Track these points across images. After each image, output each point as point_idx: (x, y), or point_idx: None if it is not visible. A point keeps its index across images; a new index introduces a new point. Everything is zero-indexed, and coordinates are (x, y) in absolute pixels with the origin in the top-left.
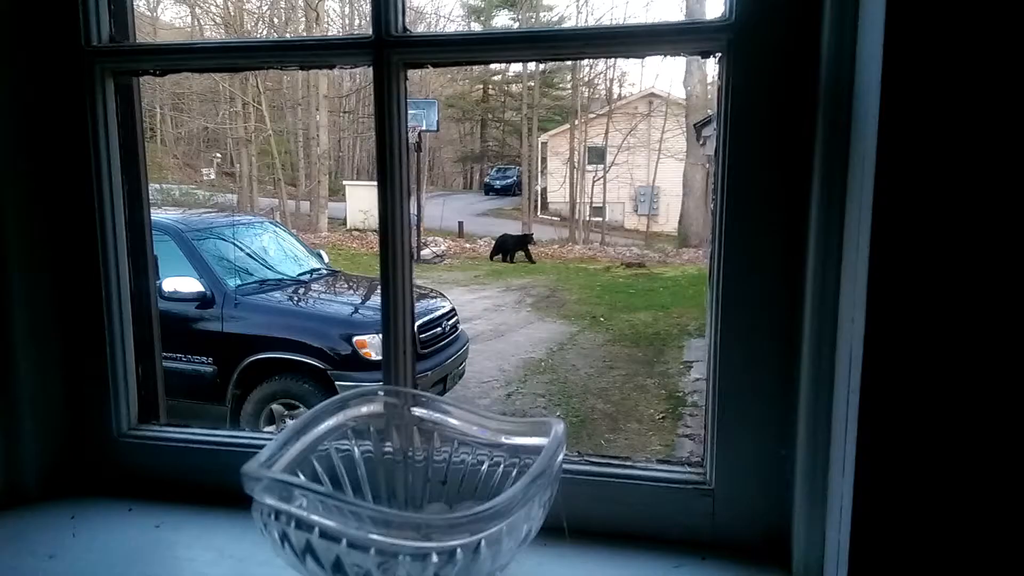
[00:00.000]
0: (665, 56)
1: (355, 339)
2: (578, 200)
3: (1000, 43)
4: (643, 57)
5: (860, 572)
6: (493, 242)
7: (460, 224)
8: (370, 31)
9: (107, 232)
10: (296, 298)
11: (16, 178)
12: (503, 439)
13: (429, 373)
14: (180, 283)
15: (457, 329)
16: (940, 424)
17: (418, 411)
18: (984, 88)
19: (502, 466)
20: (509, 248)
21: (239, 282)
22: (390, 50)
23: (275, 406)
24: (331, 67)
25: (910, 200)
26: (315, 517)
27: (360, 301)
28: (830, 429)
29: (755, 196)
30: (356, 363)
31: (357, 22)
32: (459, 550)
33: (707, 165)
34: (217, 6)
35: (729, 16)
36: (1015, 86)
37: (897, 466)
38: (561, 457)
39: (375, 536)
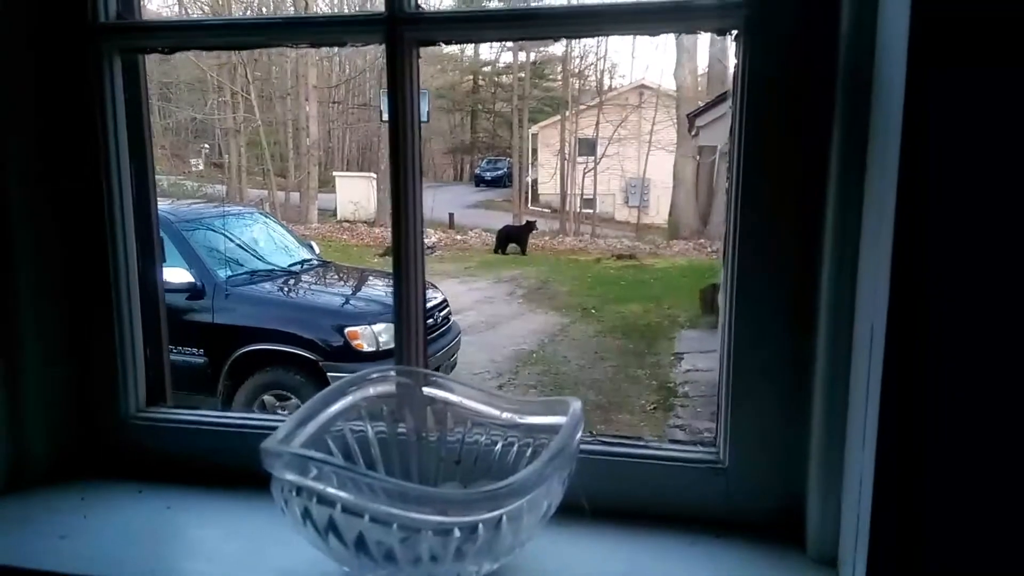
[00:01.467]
0: (681, 33)
1: (347, 330)
2: (569, 192)
3: None
4: (659, 34)
5: (880, 548)
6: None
7: (451, 216)
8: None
9: (115, 214)
10: (287, 289)
11: (24, 159)
12: (517, 419)
13: None
14: (170, 274)
15: (449, 320)
16: (965, 396)
17: (431, 391)
18: (1019, 60)
19: (516, 446)
20: (515, 237)
21: (229, 273)
22: (403, 27)
23: (267, 397)
24: (342, 44)
25: (935, 172)
26: (337, 491)
27: (351, 292)
28: (846, 404)
29: (771, 174)
30: (348, 354)
31: (346, 10)
32: (481, 525)
33: (698, 157)
34: None
35: None
36: None
37: (919, 441)
38: (580, 435)
39: (398, 511)
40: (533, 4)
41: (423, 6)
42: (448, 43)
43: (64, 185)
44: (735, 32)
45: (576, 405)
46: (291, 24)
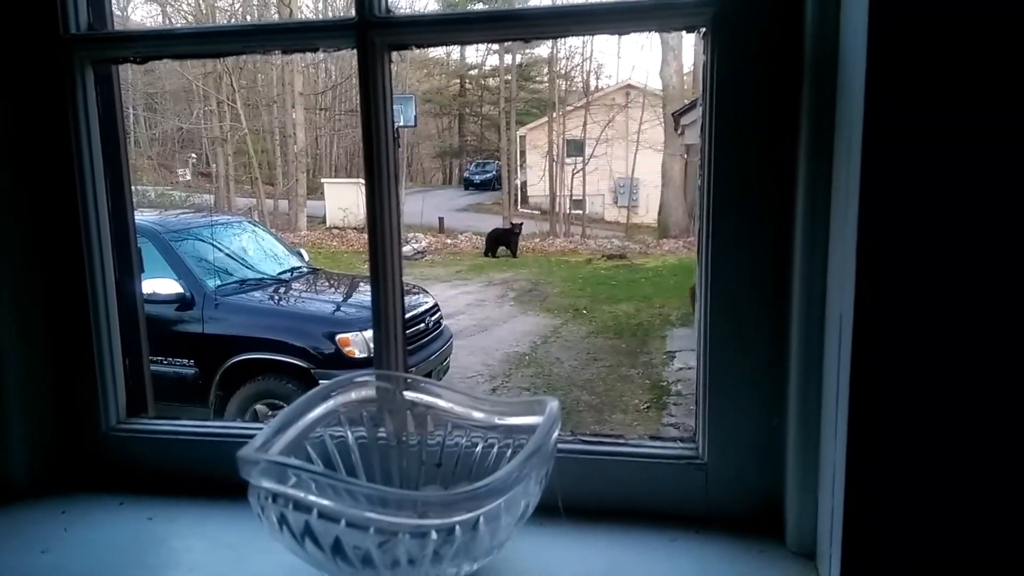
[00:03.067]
0: (651, 32)
1: (338, 337)
2: (558, 193)
3: (990, 11)
4: (628, 33)
5: (854, 539)
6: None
7: (440, 220)
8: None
9: (91, 225)
10: (277, 297)
11: None
12: (496, 420)
13: (413, 369)
14: (158, 285)
15: (440, 325)
16: (934, 389)
17: (410, 395)
18: (973, 56)
19: (496, 447)
20: (504, 240)
21: (219, 282)
22: (374, 31)
23: (259, 406)
24: (314, 50)
25: (897, 167)
26: (313, 498)
27: (342, 299)
28: (820, 399)
29: (741, 170)
30: (340, 361)
31: (331, 15)
32: (458, 527)
33: (685, 155)
34: (189, 4)
35: None
36: (1006, 56)
37: (890, 433)
38: (556, 434)
39: (374, 515)
40: (515, 6)
41: (394, 10)
42: (420, 46)
43: (38, 197)
44: (703, 30)
45: (552, 404)
46: (262, 31)
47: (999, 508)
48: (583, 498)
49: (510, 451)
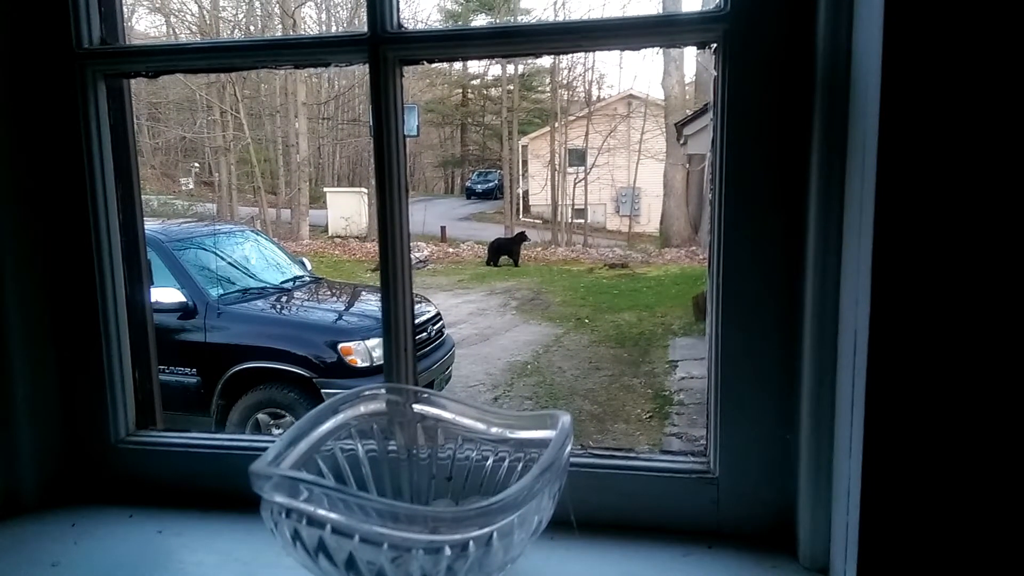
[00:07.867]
0: (661, 48)
1: (340, 346)
2: (560, 202)
3: (1000, 25)
4: (639, 49)
5: (870, 555)
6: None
7: (442, 229)
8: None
9: (101, 237)
10: (279, 306)
11: (8, 183)
12: (508, 434)
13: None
14: (161, 294)
15: (443, 334)
16: (951, 405)
17: (421, 408)
18: (986, 67)
19: (507, 461)
20: (506, 249)
21: (221, 291)
22: (385, 47)
23: (261, 415)
24: (326, 65)
25: (912, 181)
26: (327, 513)
27: (344, 308)
28: (834, 413)
29: (753, 184)
30: (342, 370)
31: (334, 28)
32: (471, 543)
33: (687, 165)
34: (192, 15)
35: (724, 6)
36: (1017, 69)
37: (906, 447)
38: (569, 448)
39: (387, 531)
40: (519, 20)
41: (406, 25)
42: (431, 61)
43: (50, 209)
44: (715, 45)
45: (565, 419)
46: (275, 46)
47: (1018, 525)
48: (595, 512)
49: (521, 465)
